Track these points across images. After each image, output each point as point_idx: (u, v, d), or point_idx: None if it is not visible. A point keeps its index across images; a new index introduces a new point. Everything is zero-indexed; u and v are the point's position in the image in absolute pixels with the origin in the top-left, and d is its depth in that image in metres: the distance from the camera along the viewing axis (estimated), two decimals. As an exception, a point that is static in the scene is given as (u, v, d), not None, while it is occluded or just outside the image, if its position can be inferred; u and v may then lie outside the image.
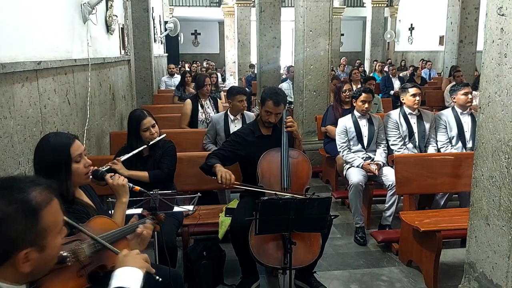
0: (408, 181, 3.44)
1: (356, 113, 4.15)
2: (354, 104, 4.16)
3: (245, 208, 2.92)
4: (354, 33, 20.98)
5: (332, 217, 2.54)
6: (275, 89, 3.09)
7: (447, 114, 4.16)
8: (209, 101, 5.22)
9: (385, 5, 15.27)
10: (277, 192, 2.74)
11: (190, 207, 2.55)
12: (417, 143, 4.11)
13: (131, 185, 2.09)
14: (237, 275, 3.06)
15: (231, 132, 4.03)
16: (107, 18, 4.54)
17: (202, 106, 5.08)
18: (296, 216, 2.35)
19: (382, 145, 4.09)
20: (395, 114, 4.21)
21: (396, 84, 8.94)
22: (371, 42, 14.60)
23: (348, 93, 4.86)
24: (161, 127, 3.07)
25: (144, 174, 2.86)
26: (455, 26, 9.00)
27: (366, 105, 4.07)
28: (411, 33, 16.21)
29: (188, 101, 5.08)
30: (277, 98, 2.94)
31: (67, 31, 3.32)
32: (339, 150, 4.17)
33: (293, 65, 7.09)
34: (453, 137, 4.09)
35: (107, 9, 4.52)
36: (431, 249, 2.98)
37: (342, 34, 17.46)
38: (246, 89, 7.37)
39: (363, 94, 4.07)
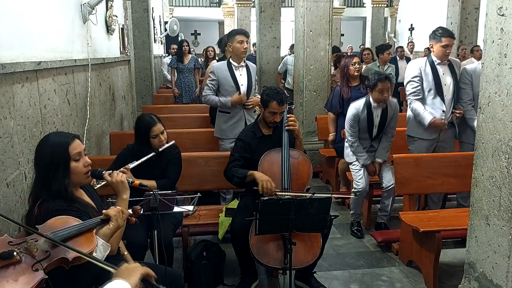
0: (408, 181, 3.44)
1: (372, 102, 3.69)
2: (370, 94, 3.69)
3: (245, 208, 2.93)
4: (354, 33, 20.97)
5: (332, 217, 2.54)
6: (276, 89, 3.09)
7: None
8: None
9: (385, 5, 15.25)
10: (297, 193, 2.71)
11: (190, 207, 2.54)
12: (449, 96, 3.67)
13: (130, 180, 2.08)
14: (237, 275, 3.06)
15: (238, 81, 3.94)
16: (107, 18, 4.54)
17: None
18: (296, 216, 2.36)
19: (389, 134, 3.81)
20: (421, 62, 3.76)
21: (403, 64, 8.09)
22: (371, 42, 14.58)
23: (357, 66, 4.34)
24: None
25: (152, 184, 2.77)
26: (455, 26, 9.00)
27: (385, 95, 3.59)
28: (411, 33, 16.18)
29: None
30: (280, 98, 2.95)
31: (67, 31, 3.31)
32: (348, 138, 3.81)
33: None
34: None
35: (107, 9, 4.52)
36: (431, 249, 2.98)
37: (342, 34, 17.44)
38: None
39: (379, 84, 3.55)
